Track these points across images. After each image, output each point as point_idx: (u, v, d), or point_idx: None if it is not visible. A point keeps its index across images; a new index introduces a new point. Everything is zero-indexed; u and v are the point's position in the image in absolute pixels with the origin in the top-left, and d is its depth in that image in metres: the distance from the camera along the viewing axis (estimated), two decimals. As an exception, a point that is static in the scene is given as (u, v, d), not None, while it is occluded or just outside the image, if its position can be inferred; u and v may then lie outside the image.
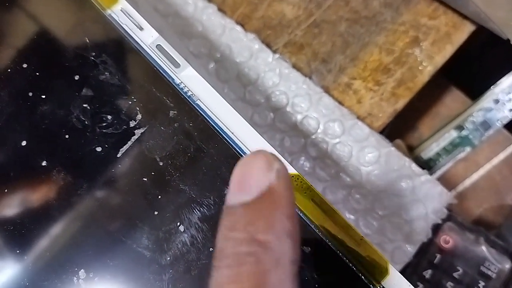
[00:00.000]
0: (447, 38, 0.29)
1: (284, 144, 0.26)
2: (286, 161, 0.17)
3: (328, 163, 0.25)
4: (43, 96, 0.19)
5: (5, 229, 0.18)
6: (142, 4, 0.29)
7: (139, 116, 0.19)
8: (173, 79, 0.19)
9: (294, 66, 0.28)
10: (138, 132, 0.18)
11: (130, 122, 0.19)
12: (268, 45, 0.29)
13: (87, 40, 0.20)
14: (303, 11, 0.30)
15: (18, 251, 0.18)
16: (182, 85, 0.19)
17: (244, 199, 0.12)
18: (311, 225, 0.17)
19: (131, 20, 0.20)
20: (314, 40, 0.29)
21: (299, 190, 0.17)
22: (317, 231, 0.17)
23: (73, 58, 0.20)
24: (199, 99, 0.19)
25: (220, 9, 0.30)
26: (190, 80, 0.19)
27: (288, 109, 0.27)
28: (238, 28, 0.29)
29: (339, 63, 0.28)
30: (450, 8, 0.29)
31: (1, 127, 0.19)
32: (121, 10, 0.21)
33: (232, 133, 0.18)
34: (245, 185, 0.12)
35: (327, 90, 0.28)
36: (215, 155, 0.18)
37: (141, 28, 0.20)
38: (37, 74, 0.20)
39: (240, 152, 0.18)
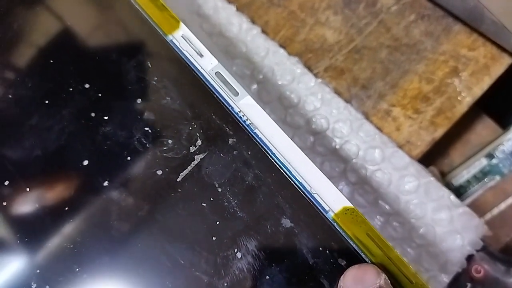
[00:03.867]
0: (485, 70, 0.29)
1: (324, 168, 0.26)
2: (341, 193, 0.18)
3: (367, 189, 0.26)
4: (106, 117, 0.20)
5: (65, 247, 0.19)
6: (189, 23, 0.30)
7: (199, 142, 0.19)
8: (232, 107, 0.20)
9: (335, 91, 0.29)
10: (198, 158, 0.19)
11: (190, 147, 0.19)
12: (309, 69, 0.30)
13: (149, 65, 0.21)
14: (344, 36, 0.30)
15: (77, 270, 0.18)
16: (241, 114, 0.20)
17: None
18: (366, 258, 0.17)
19: (191, 47, 0.21)
20: (355, 66, 0.30)
21: (354, 223, 0.18)
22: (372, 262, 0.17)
23: (135, 82, 0.20)
24: (257, 128, 0.19)
25: (263, 31, 0.30)
26: (249, 108, 0.20)
27: (329, 133, 0.27)
28: (281, 51, 0.29)
29: (379, 90, 0.29)
30: (489, 40, 0.29)
31: (64, 146, 0.20)
32: (182, 37, 0.21)
33: (290, 164, 0.18)
34: (362, 280, 0.16)
35: (366, 116, 0.28)
36: (272, 184, 0.18)
37: (201, 55, 0.21)
38: (100, 95, 0.21)
39: (297, 183, 0.18)
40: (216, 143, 0.19)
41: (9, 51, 0.22)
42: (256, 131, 0.19)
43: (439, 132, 0.28)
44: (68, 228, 0.19)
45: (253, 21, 0.31)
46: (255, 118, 0.20)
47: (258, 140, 0.19)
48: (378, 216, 0.25)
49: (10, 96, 0.21)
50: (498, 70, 0.29)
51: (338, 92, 0.29)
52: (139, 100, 0.20)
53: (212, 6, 0.31)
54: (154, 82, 0.20)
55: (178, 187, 0.19)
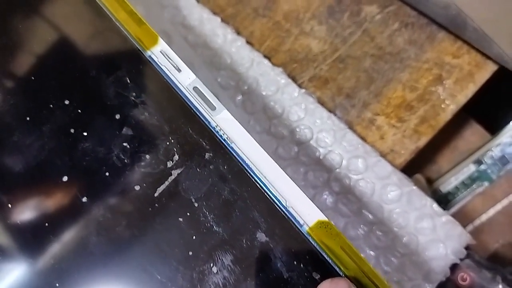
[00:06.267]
0: (470, 77, 0.29)
1: (308, 178, 0.27)
2: (316, 206, 0.18)
3: (350, 198, 0.26)
4: (85, 134, 0.20)
5: (46, 262, 0.19)
6: (174, 35, 0.30)
7: (176, 157, 0.20)
8: (209, 122, 0.20)
9: (319, 101, 0.29)
10: (175, 173, 0.19)
11: (168, 162, 0.20)
12: (294, 79, 0.30)
13: (128, 80, 0.21)
14: (328, 45, 0.31)
15: (57, 285, 0.19)
16: (217, 128, 0.20)
17: None
18: (339, 272, 0.17)
19: (170, 62, 0.21)
20: (339, 75, 0.30)
21: (328, 236, 0.18)
22: (343, 274, 0.17)
23: (114, 97, 0.21)
24: (233, 142, 0.19)
25: (248, 42, 0.31)
26: (226, 123, 0.20)
27: (313, 143, 0.27)
28: (266, 61, 0.29)
29: (363, 99, 0.29)
30: (474, 47, 0.30)
31: (43, 162, 0.20)
32: (160, 52, 0.21)
33: (265, 177, 0.19)
34: None
35: (350, 125, 0.28)
36: (248, 198, 0.19)
37: (179, 70, 0.21)
38: (79, 111, 0.21)
39: (272, 197, 0.18)
40: (192, 158, 0.20)
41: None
42: (232, 145, 0.19)
43: (423, 141, 0.28)
44: (48, 244, 0.19)
45: (238, 32, 0.31)
46: (232, 133, 0.20)
47: (234, 154, 0.19)
48: (361, 226, 0.25)
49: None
50: (482, 77, 0.29)
51: (322, 102, 0.29)
52: (117, 116, 0.21)
53: (197, 18, 0.31)
54: (133, 98, 0.21)
55: (156, 202, 0.19)
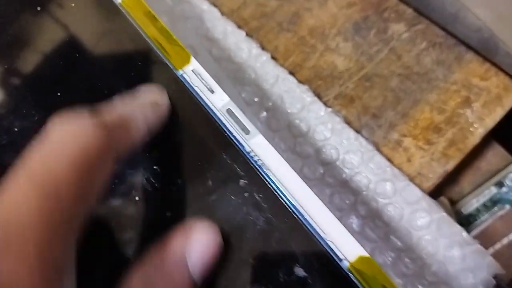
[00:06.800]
0: (498, 101, 0.29)
1: (334, 200, 0.26)
2: (357, 242, 0.17)
3: (378, 223, 0.25)
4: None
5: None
6: (199, 48, 0.29)
7: (209, 183, 0.19)
8: (243, 146, 0.19)
9: (345, 120, 0.28)
10: (208, 200, 0.19)
11: (200, 188, 0.19)
12: (319, 96, 0.29)
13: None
14: (354, 63, 0.30)
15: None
16: (252, 153, 0.19)
17: None
18: None
19: (202, 82, 0.21)
20: (365, 94, 0.29)
21: (370, 273, 0.17)
22: None
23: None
24: (269, 169, 0.19)
25: (273, 57, 0.30)
26: (260, 148, 0.19)
27: (339, 164, 0.27)
28: (291, 78, 0.29)
29: (390, 119, 0.29)
30: (502, 70, 0.29)
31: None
32: (192, 71, 0.21)
33: (304, 209, 0.18)
34: None
35: (377, 147, 0.28)
36: (285, 230, 0.18)
37: (212, 91, 0.20)
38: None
39: (311, 230, 0.18)
40: (227, 184, 0.19)
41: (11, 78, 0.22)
42: (268, 172, 0.19)
43: (451, 164, 0.28)
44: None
45: (263, 46, 0.31)
46: (267, 159, 0.19)
47: (270, 182, 0.19)
48: (389, 252, 0.25)
49: (16, 130, 0.21)
50: (510, 101, 0.29)
51: (348, 121, 0.28)
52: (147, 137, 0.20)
53: (221, 31, 0.30)
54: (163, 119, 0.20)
55: (188, 230, 0.18)
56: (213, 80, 0.21)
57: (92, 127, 0.15)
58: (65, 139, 0.15)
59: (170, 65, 0.21)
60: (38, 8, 0.23)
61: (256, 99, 0.29)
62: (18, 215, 0.13)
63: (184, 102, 0.20)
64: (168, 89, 0.21)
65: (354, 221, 0.25)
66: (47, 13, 0.23)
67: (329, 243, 0.17)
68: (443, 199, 0.30)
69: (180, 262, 0.16)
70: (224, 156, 0.19)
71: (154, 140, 0.20)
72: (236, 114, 0.20)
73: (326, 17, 0.31)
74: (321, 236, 0.18)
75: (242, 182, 0.19)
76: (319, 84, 0.30)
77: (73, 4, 0.23)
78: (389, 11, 0.31)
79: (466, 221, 0.33)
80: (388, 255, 0.25)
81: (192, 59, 0.21)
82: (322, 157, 0.27)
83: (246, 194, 0.19)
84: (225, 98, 0.20)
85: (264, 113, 0.28)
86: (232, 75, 0.29)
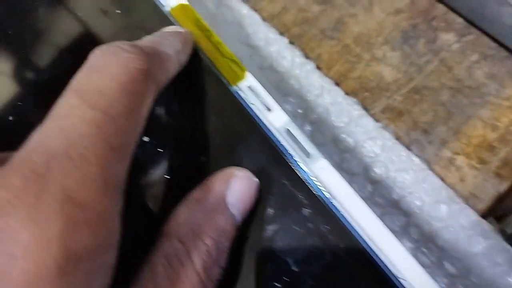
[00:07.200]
0: (554, 118, 0.27)
1: (384, 222, 0.25)
2: (433, 280, 0.16)
3: (431, 247, 0.24)
4: (168, 177, 0.18)
5: None
6: (240, 54, 0.28)
7: (270, 211, 0.18)
8: (304, 172, 0.18)
9: (396, 137, 0.27)
10: (269, 229, 0.17)
11: (261, 216, 0.18)
12: (365, 108, 0.28)
13: (214, 118, 0.19)
14: (403, 74, 0.29)
15: None
16: (315, 180, 0.18)
17: None
18: None
19: (258, 99, 0.19)
20: (414, 107, 0.28)
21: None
22: None
23: (198, 136, 0.19)
24: (334, 198, 0.17)
25: (318, 67, 0.29)
26: (324, 174, 0.18)
27: (389, 183, 0.25)
28: (337, 89, 0.27)
29: (441, 135, 0.27)
30: (558, 85, 0.27)
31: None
32: (248, 88, 0.19)
33: (375, 244, 0.17)
34: None
35: (428, 164, 0.26)
36: (355, 266, 0.17)
37: (269, 109, 0.19)
38: (160, 150, 0.19)
39: (383, 269, 0.16)
40: (289, 213, 0.18)
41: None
42: (333, 202, 0.17)
43: (505, 185, 0.26)
44: None
45: (305, 54, 0.29)
46: (331, 187, 0.18)
47: (336, 212, 0.17)
48: (443, 278, 0.23)
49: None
50: None
51: (397, 137, 0.27)
52: (203, 158, 0.19)
53: (263, 37, 0.29)
54: (217, 137, 0.19)
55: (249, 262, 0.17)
56: (271, 97, 0.19)
57: (135, 55, 0.15)
58: (111, 64, 0.15)
59: (223, 80, 0.20)
60: (80, 15, 0.22)
61: (300, 111, 0.27)
62: (79, 137, 0.13)
63: (239, 120, 0.19)
64: (221, 106, 0.19)
65: (406, 245, 0.24)
66: (91, 20, 0.21)
67: (402, 282, 0.16)
68: (492, 220, 0.29)
69: (220, 201, 0.16)
70: (285, 182, 0.18)
71: (208, 159, 0.18)
72: (296, 135, 0.19)
73: (372, 24, 0.30)
74: (394, 274, 0.16)
75: (306, 211, 0.17)
76: (365, 96, 0.28)
77: (119, 11, 0.21)
78: (438, 20, 0.30)
79: (509, 241, 0.32)
80: (441, 281, 0.23)
81: (248, 75, 0.20)
82: (370, 174, 0.26)
83: (310, 225, 0.17)
84: (284, 117, 0.19)
85: (309, 126, 0.27)
86: (275, 85, 0.28)
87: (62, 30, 0.21)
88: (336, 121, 0.27)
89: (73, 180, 0.12)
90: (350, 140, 0.26)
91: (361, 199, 0.17)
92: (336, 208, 0.17)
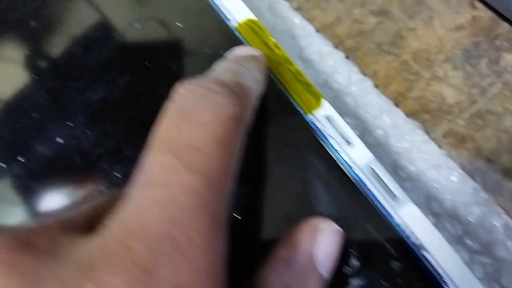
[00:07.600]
0: None
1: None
2: None
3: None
4: (238, 217, 0.16)
5: None
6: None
7: (355, 262, 0.16)
8: (392, 217, 0.16)
9: (462, 167, 0.25)
10: (354, 283, 0.16)
11: (345, 268, 0.16)
12: (426, 132, 0.26)
13: (288, 151, 0.17)
14: (465, 96, 0.27)
15: None
16: (403, 227, 0.16)
17: None
18: None
19: (337, 131, 0.17)
20: (477, 133, 0.26)
21: None
22: None
23: (271, 168, 0.17)
24: (425, 249, 0.16)
25: (376, 85, 0.27)
26: (413, 221, 0.16)
27: (452, 216, 0.23)
28: (397, 110, 0.25)
29: (505, 165, 0.25)
30: None
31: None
32: (325, 118, 0.17)
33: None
34: None
35: (493, 195, 0.25)
36: (451, 329, 0.15)
37: (348, 143, 0.17)
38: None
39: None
40: (376, 265, 0.16)
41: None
42: (424, 253, 0.16)
43: None
44: None
45: (361, 70, 0.27)
46: (422, 235, 0.16)
47: (427, 265, 0.15)
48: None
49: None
50: None
51: (461, 165, 0.25)
52: (276, 196, 0.17)
53: (317, 51, 0.27)
54: (289, 171, 0.17)
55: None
56: (351, 130, 0.17)
57: (227, 98, 0.13)
58: (203, 111, 0.12)
59: (298, 108, 0.18)
60: (136, 25, 0.20)
61: (356, 133, 0.25)
62: (182, 214, 0.11)
63: (315, 153, 0.17)
64: (295, 136, 0.17)
65: None
66: (148, 32, 0.19)
67: None
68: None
69: (309, 261, 0.15)
70: (370, 229, 0.16)
71: (282, 198, 0.17)
72: (381, 175, 0.17)
73: (432, 40, 0.28)
74: None
75: (394, 264, 0.16)
76: (425, 119, 0.26)
77: (179, 24, 0.19)
78: (501, 39, 0.28)
79: None
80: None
81: (324, 103, 0.18)
82: (433, 207, 0.24)
83: (400, 280, 0.15)
84: (367, 153, 0.17)
85: (366, 151, 0.25)
86: (330, 103, 0.26)
87: (115, 40, 0.19)
88: (396, 146, 0.25)
89: (185, 276, 0.10)
90: (412, 168, 0.24)
91: (458, 255, 0.15)
92: (427, 260, 0.15)
